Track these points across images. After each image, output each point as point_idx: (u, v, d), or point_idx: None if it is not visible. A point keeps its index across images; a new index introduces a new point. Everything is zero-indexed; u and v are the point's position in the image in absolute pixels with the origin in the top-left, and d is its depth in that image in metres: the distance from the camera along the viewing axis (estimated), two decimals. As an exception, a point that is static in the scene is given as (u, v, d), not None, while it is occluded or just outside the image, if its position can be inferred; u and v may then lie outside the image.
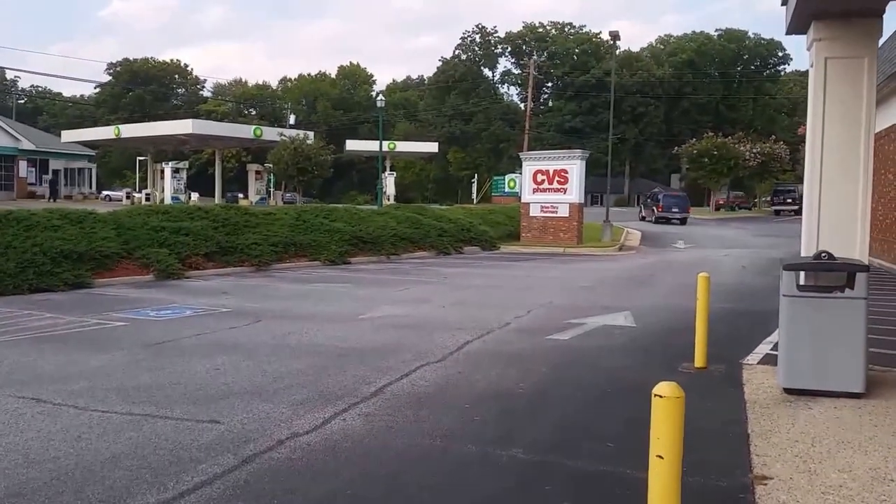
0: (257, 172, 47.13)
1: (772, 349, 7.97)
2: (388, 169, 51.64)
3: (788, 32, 7.45)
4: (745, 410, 5.82)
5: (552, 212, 25.98)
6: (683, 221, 42.29)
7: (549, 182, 26.09)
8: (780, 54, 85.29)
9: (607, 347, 8.50)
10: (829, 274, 6.03)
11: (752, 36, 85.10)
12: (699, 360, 7.14)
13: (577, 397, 6.44)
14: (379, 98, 42.54)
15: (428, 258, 21.76)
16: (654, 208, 43.70)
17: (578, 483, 4.49)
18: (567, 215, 25.69)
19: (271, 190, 52.19)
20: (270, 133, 45.70)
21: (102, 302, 12.24)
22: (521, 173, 32.02)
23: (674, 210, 42.96)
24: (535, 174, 26.41)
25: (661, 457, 2.81)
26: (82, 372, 7.20)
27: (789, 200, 49.69)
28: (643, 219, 44.97)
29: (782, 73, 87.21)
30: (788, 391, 6.17)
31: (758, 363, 7.38)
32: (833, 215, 6.64)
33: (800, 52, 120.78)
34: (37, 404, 6.04)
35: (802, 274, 6.07)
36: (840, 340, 5.91)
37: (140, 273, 15.60)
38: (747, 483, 4.36)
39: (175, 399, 6.21)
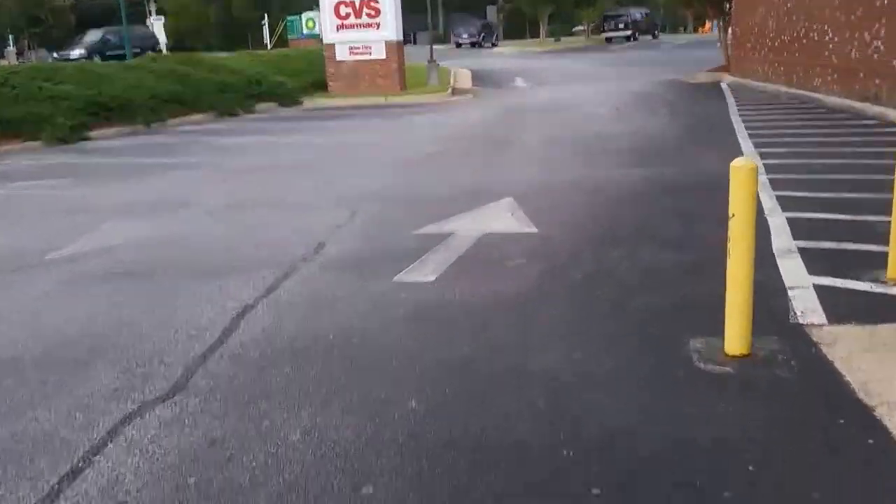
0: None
1: (818, 277, 4.28)
2: (152, 13, 42.53)
3: None
4: None
5: (365, 53, 20.93)
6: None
7: (357, 16, 20.87)
8: None
9: (513, 299, 4.41)
10: None
11: None
12: (733, 345, 3.25)
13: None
14: None
15: (206, 123, 16.39)
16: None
17: None
18: (384, 57, 20.76)
19: (9, 49, 41.71)
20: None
21: None
22: (319, 10, 26.08)
23: None
24: (336, 7, 20.97)
25: None
26: None
27: (621, 26, 47.11)
28: None
29: None
30: None
31: (829, 324, 3.58)
32: None
33: None
34: None
35: None
36: None
37: None
38: None
39: None
